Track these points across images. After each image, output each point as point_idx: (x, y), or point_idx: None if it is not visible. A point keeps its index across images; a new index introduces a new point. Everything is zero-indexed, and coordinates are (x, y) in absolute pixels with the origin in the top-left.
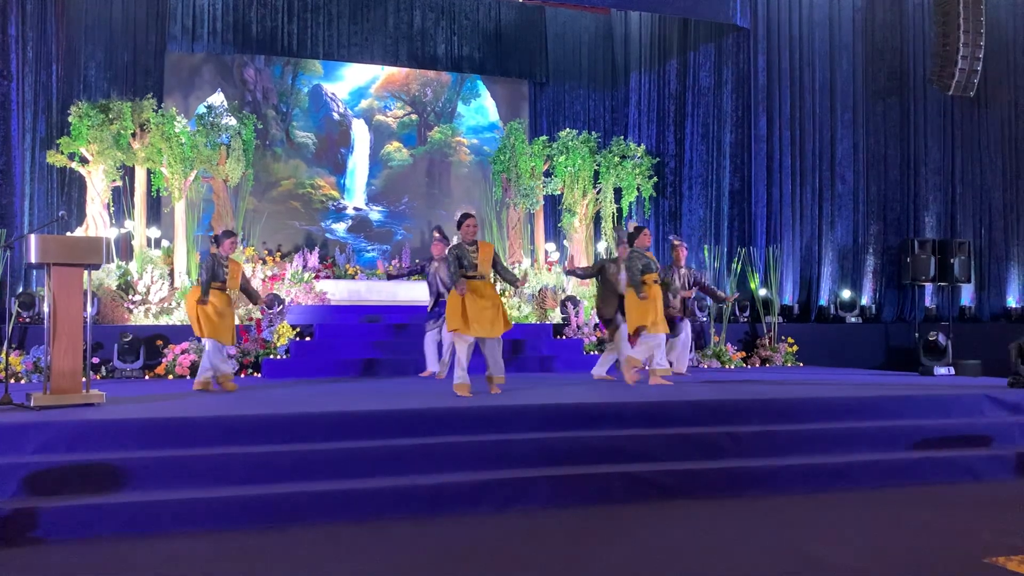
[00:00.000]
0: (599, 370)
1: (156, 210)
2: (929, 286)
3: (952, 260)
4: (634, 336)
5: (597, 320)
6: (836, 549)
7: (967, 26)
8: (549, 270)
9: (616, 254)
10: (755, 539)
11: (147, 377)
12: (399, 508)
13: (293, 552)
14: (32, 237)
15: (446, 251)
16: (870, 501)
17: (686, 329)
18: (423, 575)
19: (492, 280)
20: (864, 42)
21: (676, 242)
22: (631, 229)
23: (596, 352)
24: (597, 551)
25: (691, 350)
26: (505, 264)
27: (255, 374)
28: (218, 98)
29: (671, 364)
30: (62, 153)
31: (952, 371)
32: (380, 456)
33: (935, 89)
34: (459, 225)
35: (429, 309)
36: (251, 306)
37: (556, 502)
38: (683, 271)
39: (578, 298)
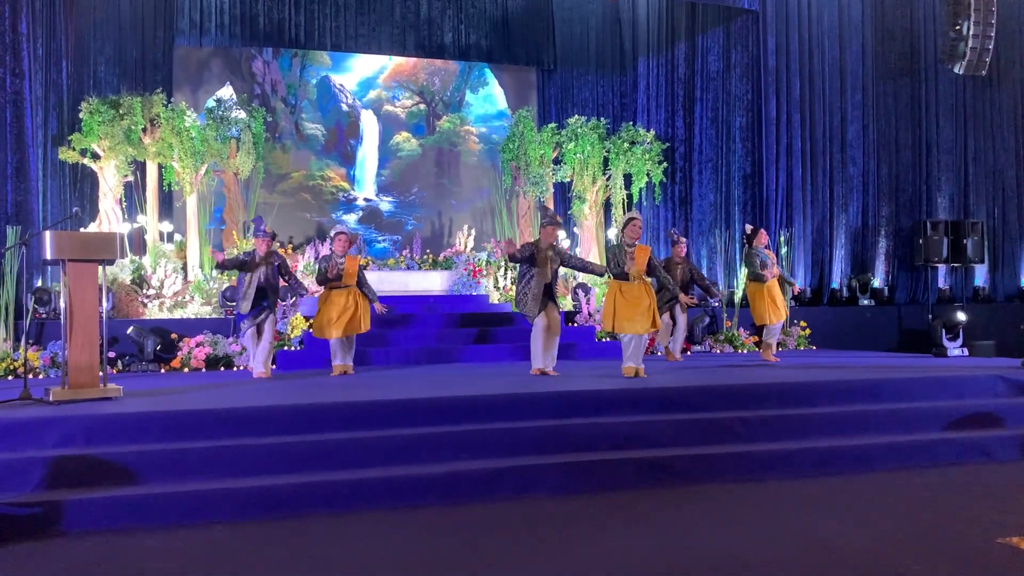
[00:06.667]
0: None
1: (168, 204)
2: (942, 267)
3: (965, 241)
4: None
5: None
6: (849, 532)
7: (978, 4)
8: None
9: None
10: (768, 523)
11: (163, 370)
12: (415, 496)
13: (310, 540)
14: (47, 233)
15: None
16: (883, 484)
17: (679, 315)
18: (439, 561)
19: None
20: (874, 22)
21: (676, 237)
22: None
23: (607, 339)
24: (611, 536)
25: (701, 336)
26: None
27: (271, 366)
28: (227, 92)
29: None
30: (74, 149)
31: (966, 352)
32: (395, 445)
33: (946, 69)
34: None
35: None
36: None
37: (570, 488)
38: (680, 266)
39: (589, 286)
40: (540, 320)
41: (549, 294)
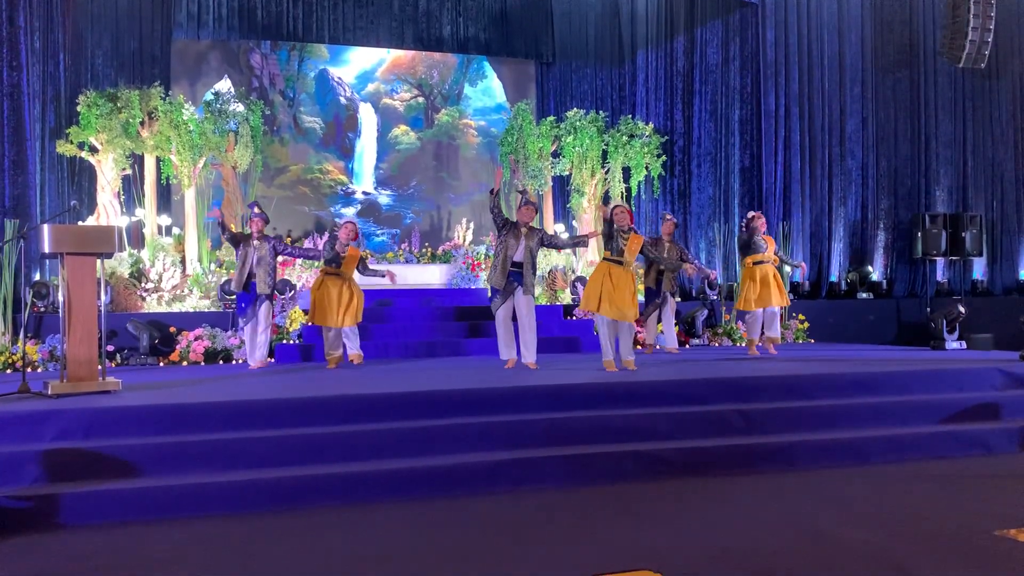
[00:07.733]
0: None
1: (166, 198)
2: (940, 260)
3: (964, 234)
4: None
5: None
6: (848, 524)
7: None
8: (559, 251)
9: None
10: (766, 515)
11: (161, 364)
12: (416, 489)
13: (309, 533)
14: (45, 227)
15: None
16: (882, 476)
17: (668, 303)
18: (439, 554)
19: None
20: (873, 15)
21: (668, 217)
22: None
23: None
24: (611, 528)
25: (700, 329)
26: (555, 235)
27: (268, 359)
28: (225, 85)
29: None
30: (72, 143)
31: (964, 345)
32: (395, 438)
33: (945, 62)
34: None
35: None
36: None
37: (569, 481)
38: (667, 245)
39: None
40: (501, 312)
41: (519, 276)
